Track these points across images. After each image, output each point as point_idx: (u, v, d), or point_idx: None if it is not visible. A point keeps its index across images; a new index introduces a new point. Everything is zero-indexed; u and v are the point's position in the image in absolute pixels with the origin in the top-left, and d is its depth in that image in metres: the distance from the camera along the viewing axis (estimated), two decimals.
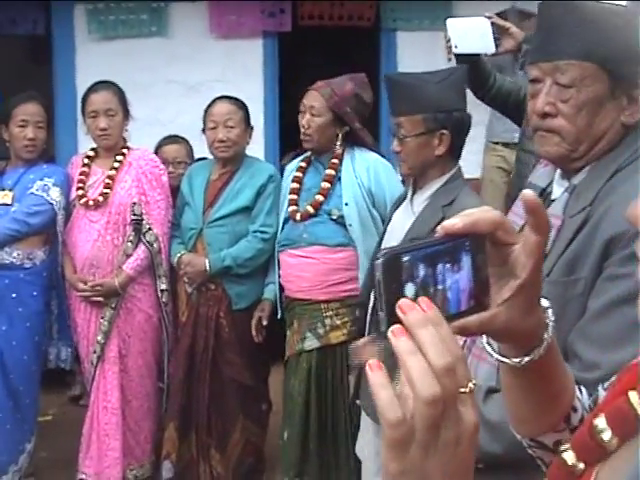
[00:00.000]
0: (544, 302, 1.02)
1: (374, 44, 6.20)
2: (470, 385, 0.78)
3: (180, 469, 4.09)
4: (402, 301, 0.79)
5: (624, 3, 1.72)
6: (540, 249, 0.93)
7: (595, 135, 1.68)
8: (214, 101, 4.12)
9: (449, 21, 3.62)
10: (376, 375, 0.76)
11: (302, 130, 3.72)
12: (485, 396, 1.61)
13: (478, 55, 3.61)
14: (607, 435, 0.89)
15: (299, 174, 3.86)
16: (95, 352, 4.07)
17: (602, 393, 1.12)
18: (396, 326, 0.77)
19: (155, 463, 4.24)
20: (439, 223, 2.53)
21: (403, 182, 3.44)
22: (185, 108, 5.44)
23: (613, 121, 1.68)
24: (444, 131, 2.84)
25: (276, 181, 4.03)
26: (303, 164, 3.88)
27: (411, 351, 0.76)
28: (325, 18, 5.96)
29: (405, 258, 0.82)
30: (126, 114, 4.15)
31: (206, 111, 4.07)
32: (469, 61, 3.46)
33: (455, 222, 0.90)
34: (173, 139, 4.66)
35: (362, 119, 3.76)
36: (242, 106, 4.10)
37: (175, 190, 4.32)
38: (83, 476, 4.12)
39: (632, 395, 0.88)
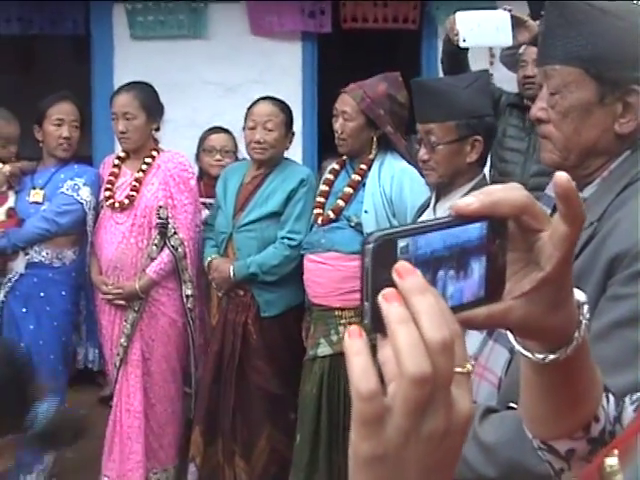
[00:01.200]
0: (580, 296, 0.89)
1: (416, 47, 6.11)
2: (468, 366, 0.67)
3: (205, 473, 4.06)
4: (399, 264, 0.67)
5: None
6: (570, 242, 0.80)
7: (584, 144, 1.59)
8: (257, 100, 4.08)
9: (458, 14, 3.56)
10: (353, 342, 0.65)
11: (336, 135, 3.66)
12: (482, 416, 1.53)
13: (466, 50, 3.59)
14: (619, 479, 0.79)
15: (331, 177, 3.81)
16: (118, 354, 4.06)
17: (630, 410, 1.02)
18: (389, 289, 0.66)
19: (180, 468, 4.21)
20: None
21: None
22: (222, 109, 5.41)
23: (604, 130, 1.57)
24: (477, 137, 2.75)
25: (308, 185, 3.95)
26: (337, 166, 3.83)
27: (403, 319, 0.65)
28: (369, 20, 5.87)
29: (402, 243, 0.70)
30: (152, 117, 4.11)
31: (248, 109, 4.04)
32: (456, 53, 3.45)
33: (471, 201, 0.75)
34: (220, 129, 4.65)
35: (398, 120, 3.66)
36: (285, 109, 4.04)
37: (217, 179, 4.31)
38: (106, 479, 4.11)
39: (610, 461, 0.78)
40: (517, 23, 3.71)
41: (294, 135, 4.12)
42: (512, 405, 1.53)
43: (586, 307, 0.90)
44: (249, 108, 4.03)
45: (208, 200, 4.33)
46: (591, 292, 1.47)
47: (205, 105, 5.70)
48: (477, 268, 0.76)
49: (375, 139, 3.63)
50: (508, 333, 0.92)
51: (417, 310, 0.65)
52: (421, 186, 3.45)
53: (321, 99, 5.91)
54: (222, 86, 5.71)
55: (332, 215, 3.64)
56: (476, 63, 3.87)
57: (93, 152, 5.40)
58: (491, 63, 5.57)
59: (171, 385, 4.15)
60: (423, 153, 2.77)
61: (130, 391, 4.06)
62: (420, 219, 2.98)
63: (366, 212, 3.56)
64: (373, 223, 3.53)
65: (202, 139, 4.60)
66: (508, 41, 3.62)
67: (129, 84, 4.21)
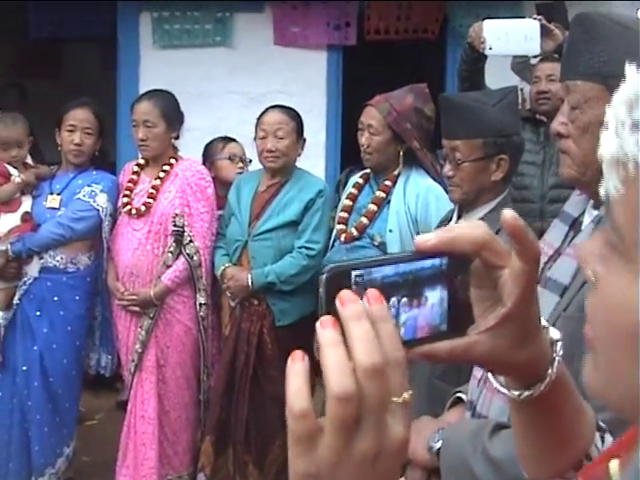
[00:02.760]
0: (554, 334, 0.91)
1: (441, 58, 6.10)
2: (405, 395, 0.68)
3: None
4: (342, 292, 0.69)
5: None
6: (528, 279, 0.81)
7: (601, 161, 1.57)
8: (266, 110, 4.06)
9: (486, 22, 3.56)
10: (294, 364, 0.69)
11: (362, 149, 3.60)
12: (492, 432, 1.52)
13: (486, 58, 3.59)
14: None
15: (354, 191, 3.76)
16: (133, 361, 4.08)
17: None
18: (325, 316, 0.69)
19: (194, 475, 4.20)
20: None
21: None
22: (246, 119, 5.38)
23: None
24: (503, 156, 2.69)
25: (325, 196, 3.94)
26: (360, 181, 3.78)
27: (333, 343, 0.67)
28: (391, 32, 5.88)
29: (356, 273, 0.72)
30: (172, 125, 4.12)
31: (258, 119, 4.03)
32: (476, 61, 3.45)
33: (429, 237, 0.77)
34: (230, 138, 4.68)
35: (424, 134, 3.57)
36: (294, 116, 4.02)
37: None
38: None
39: (612, 465, 0.77)
40: (545, 32, 3.69)
41: (305, 141, 4.09)
42: None
43: (559, 344, 0.90)
44: (259, 118, 4.02)
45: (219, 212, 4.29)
46: None
47: (229, 114, 5.72)
48: (436, 301, 0.77)
49: (401, 154, 3.58)
50: (488, 374, 0.94)
51: (351, 335, 0.67)
52: (447, 204, 3.33)
53: (345, 111, 5.91)
54: (246, 96, 5.73)
55: (355, 233, 3.59)
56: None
57: (117, 158, 5.43)
58: None
59: (185, 392, 4.15)
60: (448, 169, 2.73)
61: (144, 397, 4.06)
62: None
63: (391, 231, 3.49)
64: (397, 242, 3.46)
65: (215, 148, 4.59)
66: (536, 50, 3.61)
67: (150, 92, 4.23)
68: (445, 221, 3.00)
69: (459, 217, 2.86)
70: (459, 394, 1.84)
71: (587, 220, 1.67)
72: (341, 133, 5.95)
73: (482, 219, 2.73)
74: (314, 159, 5.46)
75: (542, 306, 1.55)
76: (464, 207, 2.83)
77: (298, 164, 4.10)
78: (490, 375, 0.93)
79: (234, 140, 4.67)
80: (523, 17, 4.01)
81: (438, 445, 1.61)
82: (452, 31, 5.90)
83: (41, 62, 7.92)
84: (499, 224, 2.35)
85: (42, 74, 7.85)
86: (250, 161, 4.58)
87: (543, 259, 1.73)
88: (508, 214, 0.81)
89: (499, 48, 3.54)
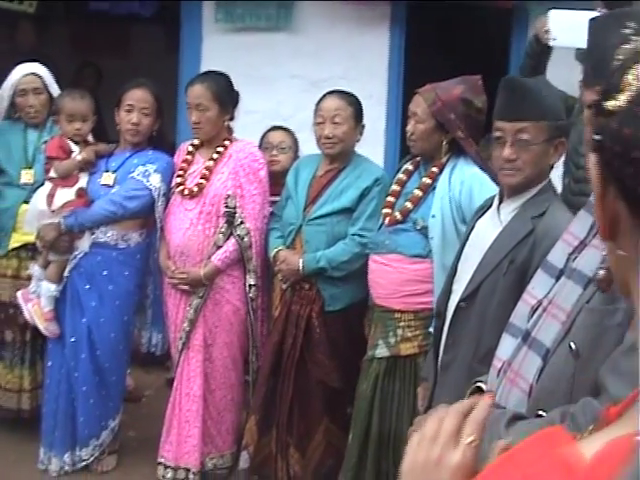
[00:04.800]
0: None
1: (505, 48, 5.99)
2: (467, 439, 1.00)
3: (257, 462, 4.08)
4: None
5: None
6: None
7: None
8: (325, 95, 4.05)
9: (552, 12, 3.49)
10: None
11: (407, 135, 3.61)
12: (509, 422, 1.50)
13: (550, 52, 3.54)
14: None
15: (403, 177, 3.74)
16: (181, 339, 4.12)
17: None
18: None
19: (236, 455, 4.24)
20: (529, 234, 2.40)
21: None
22: (306, 104, 5.38)
23: None
24: (562, 140, 2.73)
25: (382, 184, 3.90)
26: (410, 167, 3.76)
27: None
28: None
29: None
30: (225, 108, 4.13)
31: (316, 105, 4.02)
32: (540, 54, 3.36)
33: None
34: (280, 127, 4.65)
35: (472, 125, 3.53)
36: (352, 102, 3.99)
37: (277, 176, 4.30)
38: (162, 460, 4.17)
39: None
40: None
41: (364, 127, 4.05)
42: (541, 413, 1.50)
43: None
44: (317, 103, 4.01)
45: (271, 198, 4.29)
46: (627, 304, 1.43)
47: (289, 98, 5.71)
48: None
49: (446, 143, 3.55)
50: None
51: None
52: (491, 192, 3.31)
53: (406, 99, 5.85)
54: (307, 80, 5.71)
55: (399, 216, 3.57)
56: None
57: (177, 139, 5.47)
58: None
59: (232, 373, 4.19)
60: (510, 152, 2.68)
61: (190, 375, 4.11)
62: (482, 220, 2.93)
63: (434, 216, 3.48)
64: (439, 228, 3.45)
65: (261, 138, 4.57)
66: None
67: (204, 74, 4.27)
68: (486, 206, 2.97)
69: (501, 202, 2.84)
70: (479, 384, 1.82)
71: None
72: (401, 120, 5.89)
73: (525, 204, 2.74)
74: (373, 146, 5.41)
75: (566, 297, 1.54)
76: (509, 193, 2.79)
77: (357, 150, 4.08)
78: None
79: (283, 129, 4.63)
80: (592, 9, 3.91)
81: None
82: (518, 22, 5.78)
83: (109, 42, 8.05)
84: (544, 207, 2.34)
85: (111, 55, 7.97)
86: (291, 149, 4.53)
87: (567, 250, 1.69)
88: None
89: (563, 40, 3.46)
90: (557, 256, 1.72)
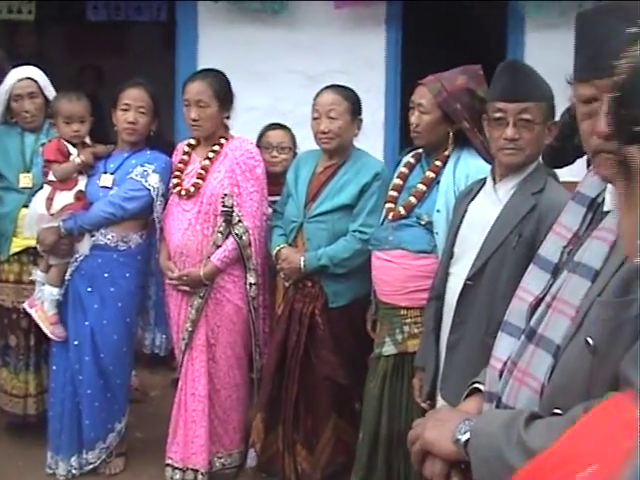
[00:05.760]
0: None
1: (503, 40, 5.96)
2: None
3: (264, 460, 4.09)
4: None
5: None
6: None
7: None
8: (321, 90, 4.02)
9: None
10: None
11: (412, 127, 3.57)
12: (527, 422, 1.48)
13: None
14: None
15: (405, 170, 3.70)
16: (184, 339, 4.11)
17: None
18: None
19: (244, 453, 4.24)
20: (532, 210, 2.45)
21: None
22: (305, 98, 5.34)
23: None
24: (555, 121, 2.86)
25: (382, 179, 3.87)
26: (412, 160, 3.72)
27: None
28: None
29: None
30: (224, 106, 4.10)
31: (314, 100, 3.99)
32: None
33: None
34: (278, 125, 4.61)
35: (476, 115, 3.46)
36: (348, 96, 3.95)
37: (278, 176, 4.28)
38: (169, 461, 4.17)
39: None
40: None
41: (362, 121, 4.02)
42: (557, 411, 1.48)
43: None
44: (314, 99, 3.98)
45: (270, 198, 4.26)
46: None
47: (287, 94, 5.69)
48: None
49: (452, 134, 3.52)
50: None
51: None
52: None
53: (404, 91, 5.83)
54: (305, 75, 5.69)
55: (403, 212, 3.54)
56: None
57: (175, 138, 5.45)
58: None
59: (236, 372, 4.18)
60: (514, 132, 2.78)
61: (195, 375, 4.10)
62: (475, 202, 3.00)
63: (438, 211, 3.44)
64: (444, 222, 3.41)
65: (260, 136, 4.53)
66: None
67: (203, 71, 4.24)
68: (473, 190, 3.06)
69: (495, 182, 2.93)
70: (476, 384, 1.80)
71: (611, 201, 1.60)
72: (400, 113, 5.87)
73: (523, 181, 2.85)
74: (373, 139, 5.40)
75: (572, 291, 1.52)
76: (505, 172, 2.90)
77: (356, 144, 4.06)
78: None
79: (280, 127, 4.60)
80: None
81: (465, 437, 1.56)
82: (513, 12, 5.75)
83: (106, 43, 8.03)
84: (541, 184, 2.38)
85: (108, 55, 7.96)
86: (291, 149, 4.51)
87: (561, 242, 1.67)
88: None
89: None
90: (550, 250, 1.70)
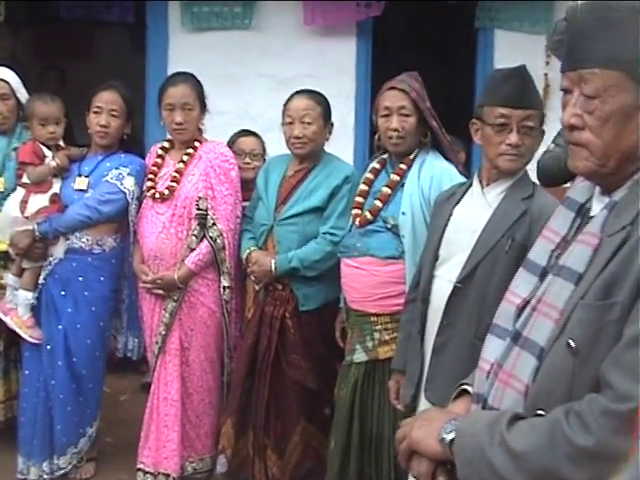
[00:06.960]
0: None
1: (472, 42, 6.03)
2: None
3: (235, 465, 4.07)
4: None
5: None
6: None
7: (624, 149, 1.55)
8: (293, 95, 4.01)
9: None
10: None
11: (394, 134, 3.49)
12: (509, 423, 1.51)
13: None
14: None
15: (370, 176, 3.70)
16: (157, 343, 4.10)
17: None
18: None
19: (216, 458, 4.22)
20: (523, 215, 2.63)
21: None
22: (275, 102, 5.35)
23: None
24: (543, 129, 2.89)
25: (352, 182, 3.88)
26: (377, 166, 3.72)
27: None
28: None
29: None
30: (203, 108, 4.12)
31: (285, 105, 3.98)
32: None
33: None
34: (250, 132, 4.61)
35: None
36: (321, 101, 3.96)
37: (250, 182, 4.27)
38: (141, 466, 4.15)
39: None
40: None
41: (333, 126, 4.03)
42: (540, 412, 1.50)
43: None
44: (285, 103, 3.97)
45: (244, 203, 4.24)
46: (625, 297, 1.46)
47: (258, 98, 5.70)
48: None
49: (429, 134, 3.53)
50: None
51: None
52: None
53: (374, 95, 5.85)
54: (275, 79, 5.70)
55: (369, 216, 3.54)
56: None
57: (146, 141, 5.44)
58: (547, 63, 5.49)
59: (209, 375, 4.17)
60: (517, 139, 2.80)
61: (168, 379, 4.09)
62: (461, 206, 2.99)
63: (404, 214, 3.44)
64: (409, 225, 3.42)
65: (231, 142, 4.51)
66: None
67: (181, 74, 4.18)
68: (454, 194, 3.05)
69: (483, 187, 2.94)
70: (464, 386, 1.82)
71: (597, 207, 1.64)
72: (370, 117, 5.90)
73: (511, 186, 2.87)
74: (343, 143, 5.42)
75: (556, 294, 1.55)
76: (493, 177, 2.91)
77: (326, 148, 4.06)
78: None
79: (252, 134, 4.60)
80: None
81: (450, 436, 1.59)
82: (483, 17, 5.81)
83: (73, 45, 7.97)
84: (530, 190, 2.43)
85: (75, 57, 7.91)
86: (262, 157, 4.52)
87: (549, 246, 1.70)
88: None
89: None
90: (539, 254, 1.73)
